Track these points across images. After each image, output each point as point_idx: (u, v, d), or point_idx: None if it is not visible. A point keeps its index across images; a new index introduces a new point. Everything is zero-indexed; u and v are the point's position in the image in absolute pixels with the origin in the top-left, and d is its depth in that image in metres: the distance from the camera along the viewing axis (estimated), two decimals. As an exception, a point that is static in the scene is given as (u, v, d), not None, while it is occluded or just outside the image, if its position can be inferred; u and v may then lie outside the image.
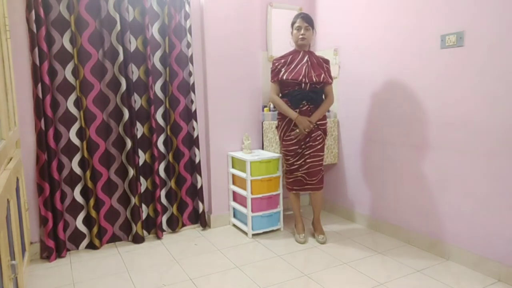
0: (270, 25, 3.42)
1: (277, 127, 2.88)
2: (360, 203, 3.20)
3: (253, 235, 2.94)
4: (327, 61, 2.78)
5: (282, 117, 2.78)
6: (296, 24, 2.67)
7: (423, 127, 2.58)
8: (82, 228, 2.72)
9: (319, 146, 2.72)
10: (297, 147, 2.72)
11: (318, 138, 2.72)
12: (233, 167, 3.15)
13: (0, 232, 1.29)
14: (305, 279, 2.27)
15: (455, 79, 2.36)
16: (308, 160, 2.71)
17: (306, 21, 2.64)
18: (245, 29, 3.12)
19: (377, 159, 2.98)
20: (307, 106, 2.68)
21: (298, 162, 2.74)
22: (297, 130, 2.68)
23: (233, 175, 3.15)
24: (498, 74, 2.14)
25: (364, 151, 3.10)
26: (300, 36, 2.65)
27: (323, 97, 2.77)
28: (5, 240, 1.38)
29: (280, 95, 2.78)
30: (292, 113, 2.67)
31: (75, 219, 2.69)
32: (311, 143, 2.71)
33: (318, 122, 2.72)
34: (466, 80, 2.30)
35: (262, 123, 3.24)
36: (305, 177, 2.74)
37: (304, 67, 2.65)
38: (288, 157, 2.77)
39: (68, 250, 2.68)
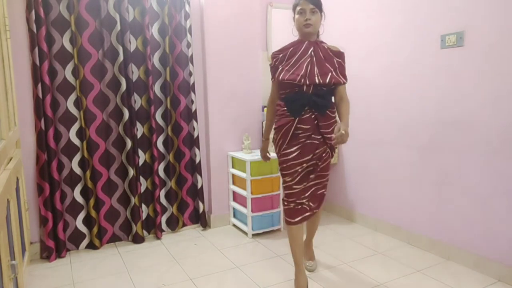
0: (270, 25, 3.42)
1: (273, 141, 2.22)
2: (360, 203, 3.20)
3: (253, 235, 2.94)
4: (339, 54, 2.10)
5: (278, 128, 2.13)
6: (299, 7, 2.03)
7: (423, 127, 2.58)
8: (82, 228, 2.72)
9: (324, 165, 2.11)
10: (294, 163, 2.06)
11: (323, 156, 2.10)
12: (233, 167, 3.15)
13: (0, 232, 1.29)
14: (305, 279, 2.27)
15: (455, 79, 2.36)
16: (312, 183, 2.10)
17: (311, 2, 2.00)
18: (245, 29, 3.12)
19: (377, 159, 2.98)
20: (310, 113, 2.03)
21: (299, 186, 2.07)
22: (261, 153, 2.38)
23: (233, 175, 3.15)
24: (498, 74, 2.14)
25: (364, 151, 3.10)
26: (305, 22, 2.01)
27: (333, 100, 2.11)
28: (5, 240, 1.38)
29: (279, 99, 2.18)
30: (265, 133, 2.34)
31: (75, 219, 2.69)
32: (315, 161, 2.08)
33: (326, 136, 2.07)
34: (466, 80, 2.30)
35: (262, 123, 3.24)
36: (308, 203, 2.11)
37: (306, 64, 2.02)
38: (286, 178, 2.09)
39: (68, 250, 2.68)
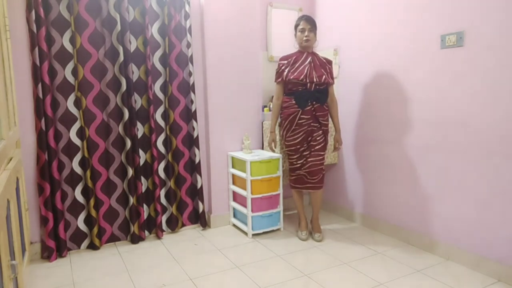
0: (270, 25, 3.42)
1: (280, 126, 2.91)
2: (360, 203, 3.20)
3: (253, 235, 2.94)
4: (330, 62, 2.84)
5: (285, 116, 2.81)
6: (300, 27, 2.73)
7: (423, 127, 2.58)
8: (83, 227, 2.72)
9: (319, 146, 2.79)
10: (299, 146, 2.78)
11: (318, 139, 2.78)
12: (233, 167, 3.15)
13: (0, 232, 1.29)
14: (305, 279, 2.27)
15: (455, 79, 2.36)
16: (309, 159, 2.77)
17: (309, 23, 2.71)
18: (245, 29, 3.12)
19: (377, 159, 2.97)
20: (310, 106, 2.74)
21: (300, 161, 2.79)
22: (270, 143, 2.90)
23: (233, 175, 3.15)
24: (498, 74, 2.14)
25: (364, 151, 3.10)
26: (304, 38, 2.71)
27: (327, 97, 2.82)
28: (5, 240, 1.38)
29: (286, 94, 2.83)
30: (272, 126, 2.88)
31: (77, 219, 2.69)
32: (311, 143, 2.78)
33: (322, 122, 2.78)
34: (466, 80, 2.30)
35: (262, 123, 3.24)
36: (306, 175, 2.80)
37: (307, 68, 2.71)
38: (291, 157, 2.83)
39: (69, 249, 2.68)
